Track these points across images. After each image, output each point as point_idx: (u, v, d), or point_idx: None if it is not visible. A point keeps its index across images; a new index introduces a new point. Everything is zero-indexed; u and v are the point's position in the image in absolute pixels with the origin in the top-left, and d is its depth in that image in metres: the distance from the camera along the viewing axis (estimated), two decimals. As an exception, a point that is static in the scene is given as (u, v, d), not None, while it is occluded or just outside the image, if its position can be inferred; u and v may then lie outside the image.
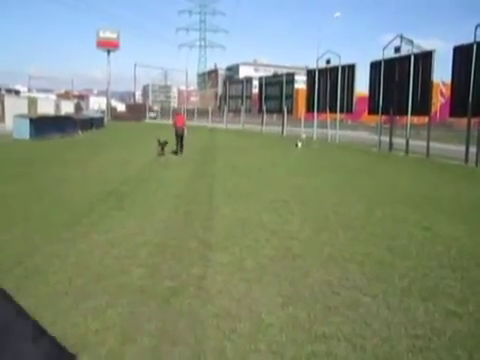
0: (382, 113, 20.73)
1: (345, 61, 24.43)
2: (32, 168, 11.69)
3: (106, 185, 9.33)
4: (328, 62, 25.43)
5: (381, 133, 20.58)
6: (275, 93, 31.96)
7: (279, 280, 4.29)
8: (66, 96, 65.56)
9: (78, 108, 47.83)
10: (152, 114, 61.78)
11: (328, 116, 26.05)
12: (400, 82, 19.09)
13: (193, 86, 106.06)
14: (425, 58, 17.82)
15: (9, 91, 50.65)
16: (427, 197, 8.95)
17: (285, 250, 5.25)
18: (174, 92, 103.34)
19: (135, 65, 70.44)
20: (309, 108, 27.67)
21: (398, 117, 21.65)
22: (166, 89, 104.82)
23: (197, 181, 10.63)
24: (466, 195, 9.28)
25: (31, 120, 21.77)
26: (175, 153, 16.11)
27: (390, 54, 19.74)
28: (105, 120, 40.89)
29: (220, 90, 66.47)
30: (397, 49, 19.32)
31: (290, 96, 30.65)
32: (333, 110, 24.94)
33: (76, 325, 3.31)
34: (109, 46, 62.87)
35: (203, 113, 50.77)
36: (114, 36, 63.23)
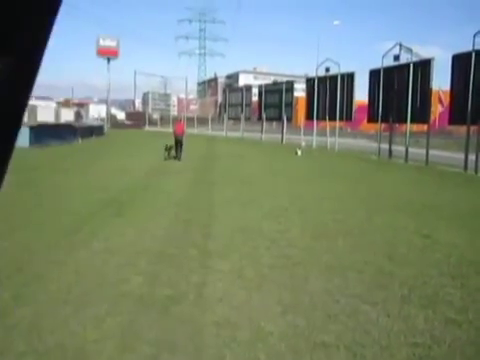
0: (381, 121, 20.78)
1: (344, 69, 24.55)
2: (32, 176, 11.69)
3: (106, 193, 9.33)
4: (327, 70, 25.53)
5: (380, 141, 20.62)
6: (275, 101, 32.05)
7: (279, 288, 4.29)
8: (66, 104, 65.72)
9: (78, 116, 47.99)
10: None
11: (327, 124, 26.10)
12: (399, 90, 19.17)
13: (193, 94, 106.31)
14: (424, 66, 17.90)
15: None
16: (427, 205, 8.96)
17: (285, 258, 5.25)
18: (174, 100, 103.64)
19: (135, 73, 70.70)
20: (308, 116, 27.73)
21: (397, 125, 21.72)
22: (166, 97, 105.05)
23: (197, 189, 10.64)
24: (465, 202, 9.29)
25: (31, 128, 21.79)
26: (175, 158, 17.11)
27: (389, 62, 19.84)
28: (105, 128, 40.93)
29: (220, 98, 66.67)
30: (396, 57, 19.41)
31: (289, 104, 30.73)
32: (332, 118, 24.99)
33: (75, 334, 3.30)
34: (109, 54, 63.04)
35: (203, 121, 50.83)
36: (114, 44, 63.45)
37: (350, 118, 24.49)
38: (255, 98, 36.66)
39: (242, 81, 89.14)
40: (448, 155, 19.19)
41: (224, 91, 45.06)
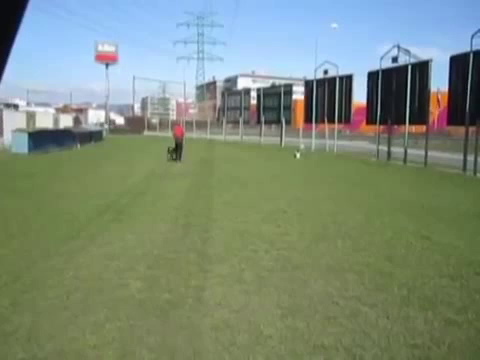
0: (380, 123, 20.81)
1: (343, 71, 24.65)
2: (31, 182, 11.69)
3: (105, 198, 9.33)
4: (326, 73, 25.60)
5: (379, 143, 20.65)
6: (273, 104, 32.11)
7: (278, 291, 4.28)
8: (65, 110, 65.77)
9: (77, 122, 47.98)
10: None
11: (326, 126, 26.15)
12: (398, 92, 19.21)
13: (191, 98, 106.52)
14: (422, 68, 17.95)
15: (8, 105, 50.76)
16: (426, 206, 8.96)
17: (284, 261, 5.25)
18: (173, 104, 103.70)
19: (134, 78, 70.72)
20: (307, 119, 27.79)
21: (396, 126, 21.75)
22: (164, 101, 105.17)
23: (196, 193, 10.64)
24: (465, 203, 9.29)
25: (30, 134, 21.81)
26: (175, 160, 18.22)
27: (388, 64, 19.89)
28: (104, 133, 40.96)
29: (218, 102, 66.77)
30: (394, 59, 19.47)
31: (288, 107, 30.80)
32: (331, 120, 25.05)
33: (74, 340, 3.30)
34: (108, 59, 63.23)
35: (202, 125, 50.88)
36: (112, 49, 63.64)
37: (349, 120, 24.54)
38: (254, 101, 36.72)
39: (241, 84, 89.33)
40: (447, 156, 19.21)
41: (223, 95, 45.13)
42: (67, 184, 11.46)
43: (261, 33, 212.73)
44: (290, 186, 11.73)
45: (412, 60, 18.66)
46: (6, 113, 30.90)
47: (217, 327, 3.52)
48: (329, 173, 15.32)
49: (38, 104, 68.29)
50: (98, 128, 43.59)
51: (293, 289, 4.35)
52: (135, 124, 61.05)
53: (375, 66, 20.74)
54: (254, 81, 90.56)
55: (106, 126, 50.42)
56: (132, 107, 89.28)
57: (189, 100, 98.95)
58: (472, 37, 14.89)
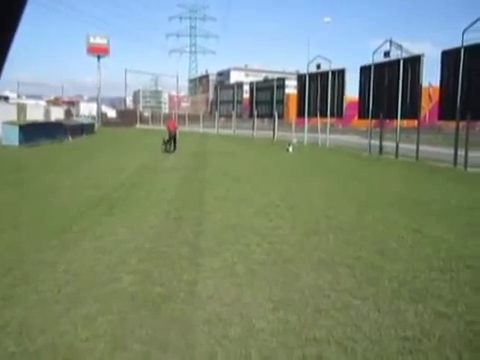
0: (372, 117, 20.87)
1: (335, 66, 24.61)
2: (21, 175, 11.60)
3: (96, 191, 9.28)
4: (318, 67, 25.57)
5: (371, 137, 20.72)
6: (266, 98, 32.06)
7: (270, 285, 4.30)
8: (56, 102, 65.19)
9: (68, 114, 47.58)
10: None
11: (319, 121, 26.17)
12: (390, 86, 19.26)
13: (184, 92, 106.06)
14: (414, 62, 18.00)
15: (-2, 98, 50.30)
16: (417, 200, 9.02)
17: (276, 254, 5.27)
18: (165, 98, 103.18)
19: (126, 71, 70.12)
20: (300, 113, 27.78)
21: (388, 121, 21.83)
22: (157, 94, 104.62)
23: (188, 186, 10.62)
24: (455, 197, 9.37)
25: (20, 127, 21.61)
26: (168, 151, 19.20)
27: (380, 59, 19.92)
28: (96, 126, 40.69)
29: (211, 95, 66.53)
30: (386, 54, 19.49)
31: (281, 101, 30.76)
32: (323, 115, 25.07)
33: (66, 333, 3.29)
34: (99, 52, 62.64)
35: (194, 118, 50.68)
36: (104, 42, 63.04)
37: (341, 114, 24.57)
38: (246, 95, 36.63)
39: (233, 78, 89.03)
40: (438, 150, 19.33)
41: (215, 88, 44.96)
42: (58, 177, 11.37)
43: (254, 27, 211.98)
44: (282, 180, 11.75)
45: (404, 55, 18.69)
46: (-4, 105, 30.56)
47: (209, 320, 3.53)
48: (321, 167, 15.36)
49: (29, 96, 67.65)
50: (90, 121, 43.28)
51: (285, 282, 4.37)
52: (127, 117, 60.67)
53: (367, 61, 20.78)
54: (247, 75, 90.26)
55: (92, 120, 49.71)
56: (124, 100, 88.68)
57: (182, 93, 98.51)
58: (463, 32, 14.93)
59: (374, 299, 3.97)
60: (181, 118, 47.69)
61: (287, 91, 32.44)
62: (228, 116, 39.63)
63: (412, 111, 18.29)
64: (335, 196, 9.40)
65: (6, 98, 55.71)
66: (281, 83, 31.10)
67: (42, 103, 54.46)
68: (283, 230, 6.44)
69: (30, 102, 48.60)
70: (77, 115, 54.71)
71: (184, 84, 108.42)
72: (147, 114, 65.76)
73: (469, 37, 14.82)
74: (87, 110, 62.25)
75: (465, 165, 14.91)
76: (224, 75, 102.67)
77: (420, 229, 6.51)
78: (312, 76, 26.20)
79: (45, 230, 6.14)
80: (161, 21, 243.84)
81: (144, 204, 8.22)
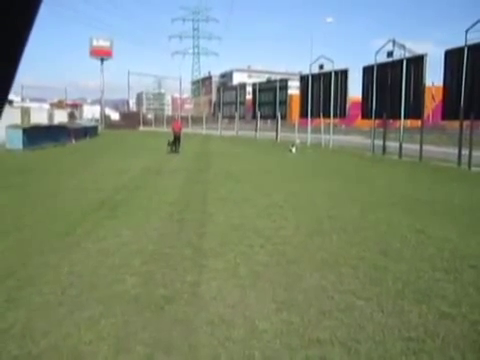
0: (375, 117, 20.83)
1: (338, 66, 24.60)
2: (25, 178, 11.64)
3: (100, 194, 9.30)
4: (321, 67, 25.55)
5: (374, 137, 20.68)
6: (269, 99, 32.07)
7: (273, 286, 4.29)
8: (59, 105, 65.32)
9: (72, 117, 47.69)
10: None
11: (322, 121, 26.14)
12: (393, 86, 19.22)
13: (187, 93, 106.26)
14: (417, 62, 17.96)
15: (2, 101, 50.34)
16: (420, 200, 9.00)
17: (279, 255, 5.26)
18: (168, 100, 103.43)
19: (129, 73, 70.44)
20: (303, 114, 27.76)
21: (391, 121, 21.78)
22: (160, 97, 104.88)
23: (191, 188, 10.62)
24: (459, 197, 9.33)
25: (24, 130, 21.68)
26: (173, 152, 19.79)
27: (383, 59, 19.89)
28: (99, 129, 40.80)
29: (214, 97, 66.63)
30: (389, 54, 19.46)
31: (284, 102, 30.76)
32: (326, 115, 25.03)
33: (69, 335, 3.29)
34: (102, 54, 62.80)
35: (197, 120, 50.75)
36: (107, 44, 63.19)
37: (344, 115, 24.53)
38: (249, 96, 36.66)
39: (236, 79, 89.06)
40: (442, 150, 19.28)
41: (218, 90, 45.01)
42: (62, 180, 11.41)
43: (256, 28, 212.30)
44: (285, 181, 11.74)
45: (407, 55, 18.66)
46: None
47: (212, 322, 3.52)
48: (324, 168, 15.34)
49: (33, 99, 67.82)
50: (93, 124, 43.39)
51: (288, 283, 4.36)
52: (130, 119, 60.82)
53: (370, 61, 20.76)
54: (249, 76, 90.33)
55: (95, 123, 49.85)
56: (127, 102, 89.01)
57: (185, 95, 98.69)
58: (466, 32, 14.89)
59: (378, 300, 3.96)
60: (184, 120, 47.74)
61: (290, 92, 32.46)
62: (231, 117, 39.68)
63: (415, 111, 18.23)
64: (338, 197, 9.38)
65: (10, 102, 55.85)
66: (284, 84, 31.10)
67: (46, 106, 54.57)
68: (286, 231, 6.43)
69: (34, 105, 48.70)
70: (80, 118, 54.88)
71: (187, 86, 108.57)
72: (150, 116, 65.94)
73: (472, 36, 14.79)
74: (90, 113, 62.38)
75: (469, 165, 14.85)
76: (227, 77, 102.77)
77: (424, 229, 6.49)
78: (315, 77, 26.17)
79: (49, 232, 6.16)
80: (164, 23, 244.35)
81: (147, 206, 8.22)
